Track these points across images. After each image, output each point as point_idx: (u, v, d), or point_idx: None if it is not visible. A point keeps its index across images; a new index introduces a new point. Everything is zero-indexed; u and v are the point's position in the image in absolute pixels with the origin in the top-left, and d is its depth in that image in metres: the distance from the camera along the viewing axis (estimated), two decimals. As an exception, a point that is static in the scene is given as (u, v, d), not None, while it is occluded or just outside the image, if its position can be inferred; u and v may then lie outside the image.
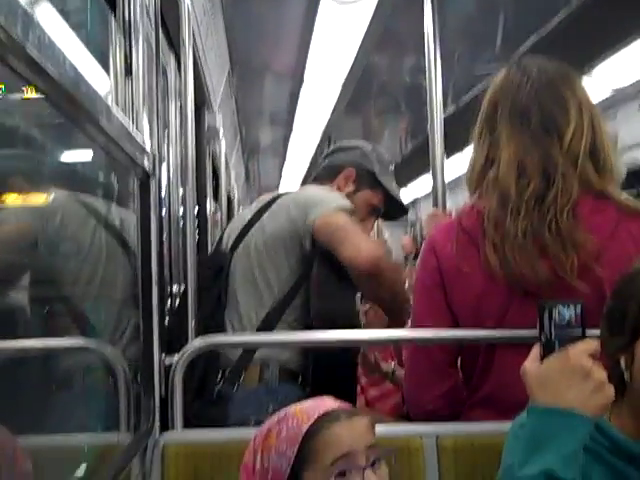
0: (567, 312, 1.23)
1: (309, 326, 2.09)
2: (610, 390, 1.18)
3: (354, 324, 2.23)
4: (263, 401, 2.00)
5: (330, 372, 2.13)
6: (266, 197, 2.35)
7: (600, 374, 1.18)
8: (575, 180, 1.59)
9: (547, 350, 1.22)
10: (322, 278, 2.15)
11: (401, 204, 2.55)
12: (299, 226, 2.14)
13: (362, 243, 2.07)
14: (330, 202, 2.17)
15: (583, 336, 1.22)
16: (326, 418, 1.23)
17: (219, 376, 2.07)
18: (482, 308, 1.64)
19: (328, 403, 1.28)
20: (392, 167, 2.56)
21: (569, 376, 1.18)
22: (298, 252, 2.16)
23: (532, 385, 1.21)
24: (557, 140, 1.62)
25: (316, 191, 2.30)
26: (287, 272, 2.16)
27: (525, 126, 1.64)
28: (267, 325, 2.09)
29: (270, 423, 1.27)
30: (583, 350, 1.19)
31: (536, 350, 1.25)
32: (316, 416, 1.23)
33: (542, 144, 1.62)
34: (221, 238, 2.35)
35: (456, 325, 1.70)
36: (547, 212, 1.57)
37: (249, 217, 2.27)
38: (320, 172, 2.51)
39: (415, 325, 1.78)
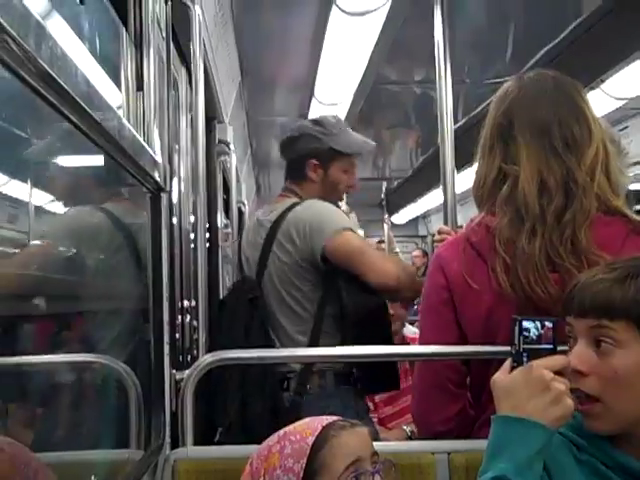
0: (538, 328, 1.26)
1: (343, 328, 2.34)
2: (569, 402, 1.20)
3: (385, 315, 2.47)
4: (324, 405, 2.23)
5: (375, 370, 2.40)
6: (265, 217, 2.53)
7: (559, 386, 1.21)
8: (593, 198, 1.58)
9: (516, 363, 1.26)
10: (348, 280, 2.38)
11: (365, 146, 2.70)
12: (308, 254, 2.35)
13: (383, 266, 2.33)
14: (329, 226, 2.35)
15: (553, 352, 1.26)
16: (332, 427, 1.25)
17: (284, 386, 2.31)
18: (492, 323, 1.64)
19: (324, 417, 1.30)
20: (337, 121, 2.66)
21: (530, 387, 1.21)
22: (314, 272, 2.36)
23: (498, 395, 1.25)
24: (578, 157, 1.61)
25: (313, 213, 2.43)
26: (311, 288, 2.38)
27: (546, 142, 1.62)
28: (314, 339, 2.32)
29: (269, 443, 1.28)
30: (545, 364, 1.23)
31: (508, 362, 1.28)
32: (320, 428, 1.24)
33: (564, 161, 1.60)
34: (241, 263, 2.58)
35: (465, 342, 1.69)
36: (565, 229, 1.56)
37: (261, 244, 2.45)
38: (289, 173, 2.68)
39: (423, 343, 1.77)
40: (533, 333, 1.26)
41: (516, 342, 1.27)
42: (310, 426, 1.26)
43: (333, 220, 2.38)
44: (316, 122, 2.60)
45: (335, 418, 1.30)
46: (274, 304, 2.40)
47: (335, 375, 2.35)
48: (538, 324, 1.26)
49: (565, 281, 1.55)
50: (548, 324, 1.26)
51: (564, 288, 1.55)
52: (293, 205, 2.46)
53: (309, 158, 2.56)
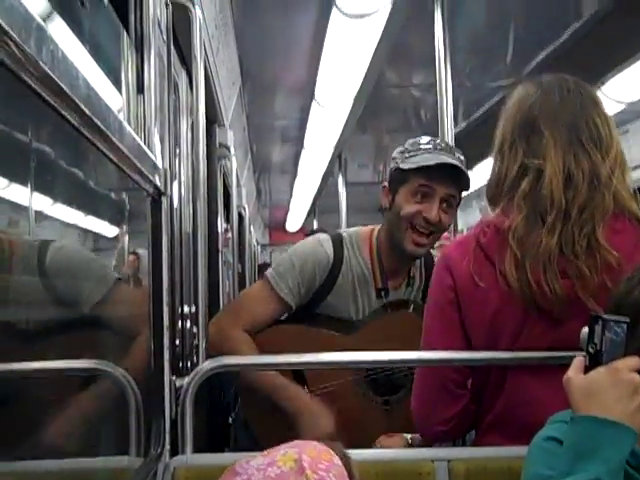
0: (616, 328, 1.23)
1: None
2: None
3: None
4: None
5: None
6: None
7: None
8: (612, 196, 1.57)
9: (594, 362, 1.23)
10: None
11: (430, 159, 2.14)
12: None
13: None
14: None
15: (625, 354, 1.23)
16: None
17: None
18: (497, 325, 1.64)
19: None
20: (419, 141, 2.22)
21: (619, 389, 1.19)
22: None
23: (576, 395, 1.22)
24: (603, 153, 1.61)
25: None
26: None
27: (574, 136, 1.62)
28: None
29: None
30: (632, 365, 1.21)
31: (579, 361, 1.25)
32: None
33: (590, 155, 1.60)
34: None
35: (468, 343, 1.69)
36: (584, 226, 1.55)
37: None
38: None
39: (426, 343, 1.77)
40: (614, 333, 1.23)
41: (597, 341, 1.23)
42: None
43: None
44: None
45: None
46: None
47: None
48: (619, 325, 1.23)
49: (574, 285, 1.55)
50: (624, 325, 1.23)
51: (572, 292, 1.55)
52: None
53: (383, 182, 2.34)
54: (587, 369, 1.24)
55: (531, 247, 1.57)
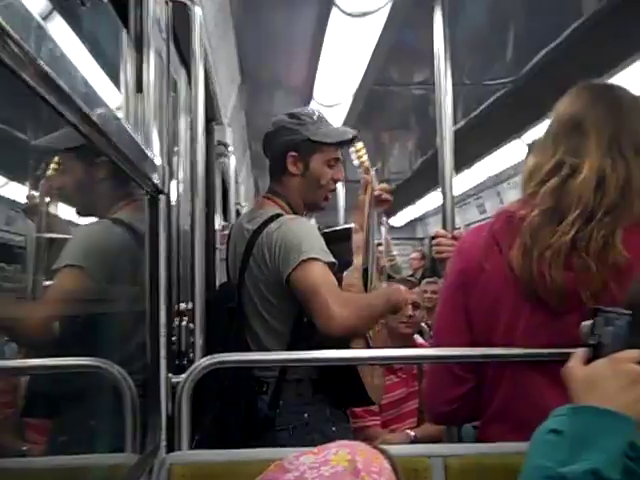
0: (619, 321, 1.25)
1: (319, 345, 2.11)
2: None
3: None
4: (301, 412, 2.25)
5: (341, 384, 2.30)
6: (247, 225, 2.41)
7: None
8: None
9: (595, 354, 1.25)
10: None
11: (345, 134, 2.57)
12: (277, 279, 2.24)
13: (329, 312, 2.11)
14: (294, 255, 2.20)
15: (628, 346, 1.24)
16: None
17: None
18: (495, 312, 1.66)
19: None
20: (313, 112, 2.57)
21: (619, 380, 1.20)
22: (288, 291, 2.23)
23: (577, 385, 1.24)
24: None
25: (284, 236, 2.27)
26: (287, 304, 2.27)
27: (615, 145, 1.64)
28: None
29: None
30: (633, 357, 1.22)
31: (580, 352, 1.27)
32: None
33: (630, 164, 1.62)
34: (228, 268, 2.50)
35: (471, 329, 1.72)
36: (604, 227, 1.56)
37: (242, 254, 2.35)
38: (272, 171, 2.55)
39: (436, 327, 1.85)
40: (616, 326, 1.25)
41: (598, 333, 1.26)
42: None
43: (300, 248, 2.21)
44: (292, 115, 2.50)
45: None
46: (251, 316, 2.32)
47: (312, 383, 2.29)
48: (622, 318, 1.25)
49: (578, 280, 1.55)
50: (626, 318, 1.25)
51: (572, 285, 1.55)
52: (270, 219, 2.33)
53: (288, 151, 2.45)
54: (588, 361, 1.25)
55: (542, 239, 1.59)
